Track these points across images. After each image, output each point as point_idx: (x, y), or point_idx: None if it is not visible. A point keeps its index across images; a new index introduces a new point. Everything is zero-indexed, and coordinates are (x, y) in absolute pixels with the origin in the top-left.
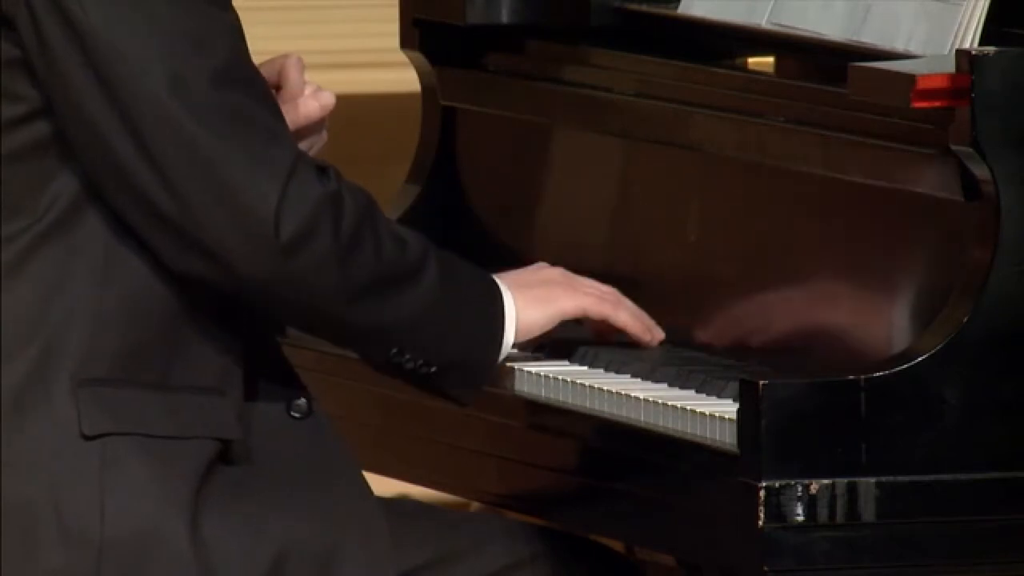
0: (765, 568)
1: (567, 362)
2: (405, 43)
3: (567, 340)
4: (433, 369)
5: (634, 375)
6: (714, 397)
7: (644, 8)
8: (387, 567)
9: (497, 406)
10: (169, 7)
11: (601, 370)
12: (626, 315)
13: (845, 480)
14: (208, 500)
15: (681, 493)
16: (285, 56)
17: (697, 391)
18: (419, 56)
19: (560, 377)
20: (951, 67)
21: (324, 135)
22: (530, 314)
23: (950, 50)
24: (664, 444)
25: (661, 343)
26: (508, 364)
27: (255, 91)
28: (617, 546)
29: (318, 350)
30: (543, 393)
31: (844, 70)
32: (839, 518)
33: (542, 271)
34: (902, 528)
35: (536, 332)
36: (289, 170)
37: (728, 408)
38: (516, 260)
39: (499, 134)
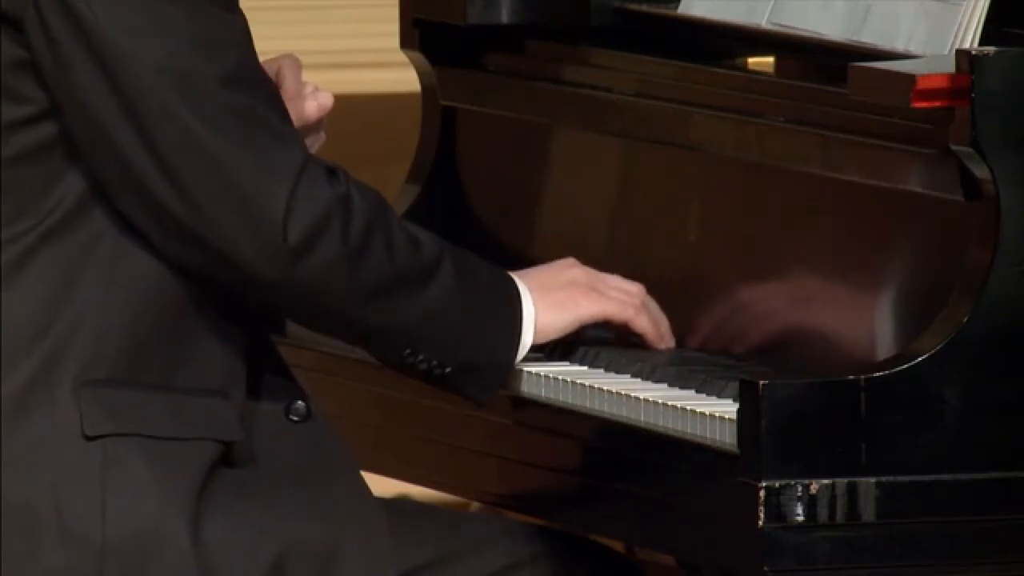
0: (765, 568)
1: (567, 362)
2: (405, 43)
3: (567, 340)
4: (448, 370)
5: (634, 375)
6: (714, 397)
7: (644, 8)
8: (387, 567)
9: (497, 406)
10: (178, 10)
11: (601, 370)
12: (645, 321)
13: (845, 480)
14: (209, 501)
15: (681, 493)
16: (283, 57)
17: (697, 391)
18: (419, 56)
19: (560, 377)
20: (951, 67)
21: (322, 135)
22: (549, 318)
23: (950, 50)
24: (664, 444)
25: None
26: None
27: (264, 93)
28: (617, 546)
29: (318, 350)
30: (543, 393)
31: (844, 70)
32: (839, 518)
33: (567, 271)
34: (902, 528)
35: (554, 336)
36: (299, 172)
37: (728, 408)
38: (516, 260)
39: (499, 134)
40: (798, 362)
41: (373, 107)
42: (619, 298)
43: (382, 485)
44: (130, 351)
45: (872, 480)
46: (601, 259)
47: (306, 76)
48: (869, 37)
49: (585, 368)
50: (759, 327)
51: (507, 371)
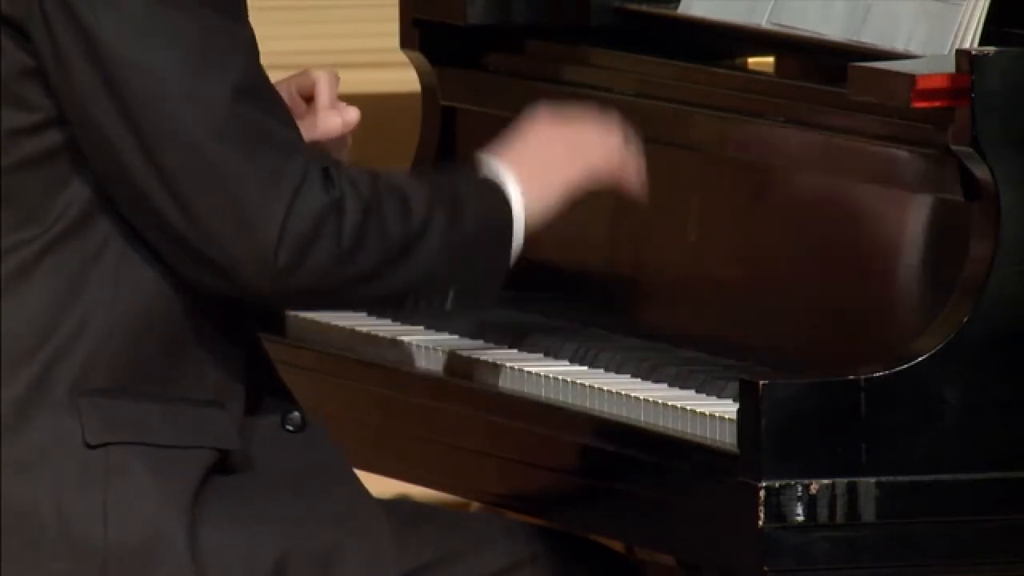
0: (765, 568)
1: (567, 362)
2: (405, 43)
3: (567, 340)
4: (451, 298)
5: (634, 375)
6: (714, 397)
7: (644, 8)
8: (388, 568)
9: (497, 406)
10: (185, 21)
11: (601, 370)
12: (633, 175)
13: (845, 480)
14: (207, 508)
15: (681, 493)
16: (322, 70)
17: (697, 391)
18: (419, 56)
19: (560, 377)
20: (951, 67)
21: (345, 153)
22: (540, 204)
23: (950, 50)
24: (664, 444)
25: (661, 343)
26: (508, 364)
27: (269, 105)
28: (617, 546)
29: (318, 350)
30: (543, 393)
31: (844, 70)
32: (839, 518)
33: (548, 146)
34: (902, 528)
35: (545, 218)
36: (296, 186)
37: (728, 408)
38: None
39: (499, 134)
40: (798, 362)
41: (373, 107)
42: (603, 157)
43: (382, 485)
44: (130, 361)
45: (872, 480)
46: (601, 259)
47: None
48: (869, 37)
49: (585, 368)
50: (759, 327)
51: (503, 278)
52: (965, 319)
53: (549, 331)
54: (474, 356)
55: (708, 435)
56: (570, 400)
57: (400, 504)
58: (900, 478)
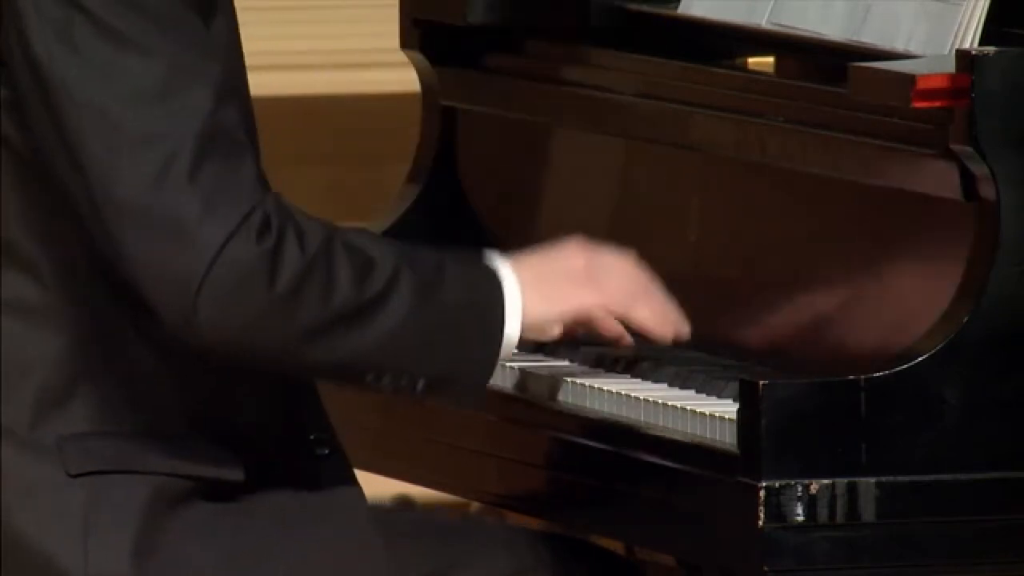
0: (765, 568)
1: (567, 362)
2: (405, 43)
3: (568, 338)
4: (420, 385)
5: (634, 375)
6: (714, 397)
7: (644, 8)
8: None
9: (497, 406)
10: (141, 61)
11: (601, 370)
12: (645, 314)
13: (845, 480)
14: (193, 536)
15: (681, 493)
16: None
17: (697, 391)
18: (419, 56)
19: (560, 377)
20: (951, 67)
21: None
22: (539, 311)
23: (950, 50)
24: (664, 444)
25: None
26: (508, 364)
27: (226, 142)
28: (617, 546)
29: None
30: (543, 393)
31: (844, 70)
32: (839, 518)
33: (568, 260)
34: (902, 528)
35: (545, 328)
36: (229, 235)
37: (728, 408)
38: None
39: (499, 134)
40: (798, 362)
41: (373, 107)
42: (615, 291)
43: (382, 485)
44: (113, 403)
45: (872, 480)
46: None
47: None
48: (869, 37)
49: (585, 368)
50: (759, 327)
51: (486, 377)
52: (965, 319)
53: None
54: None
55: (708, 435)
56: (570, 400)
57: (400, 514)
58: (900, 478)
